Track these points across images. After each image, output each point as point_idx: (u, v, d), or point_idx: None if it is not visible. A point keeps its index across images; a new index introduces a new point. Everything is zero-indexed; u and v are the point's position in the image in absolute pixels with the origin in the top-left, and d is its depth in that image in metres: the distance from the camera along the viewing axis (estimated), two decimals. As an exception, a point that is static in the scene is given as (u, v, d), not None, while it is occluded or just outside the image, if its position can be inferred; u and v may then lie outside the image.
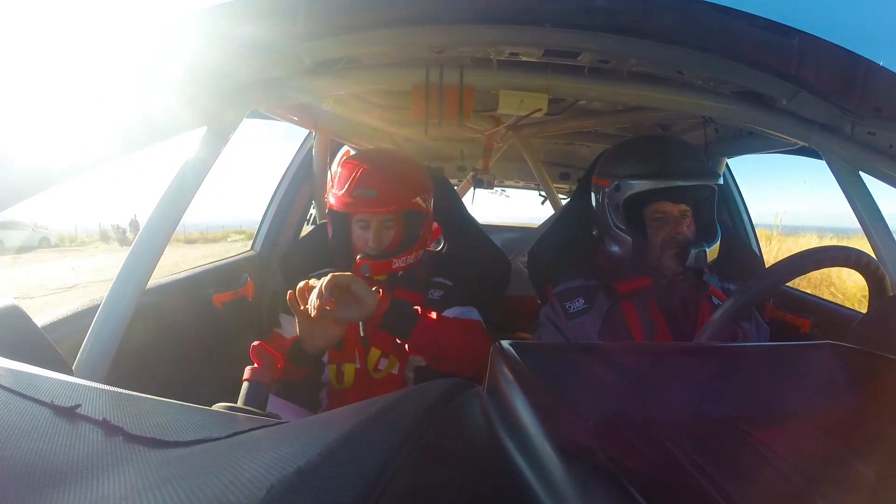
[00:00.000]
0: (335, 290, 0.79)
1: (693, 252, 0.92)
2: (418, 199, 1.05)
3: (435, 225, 1.27)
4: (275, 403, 0.81)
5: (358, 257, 1.02)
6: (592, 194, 1.06)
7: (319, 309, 0.78)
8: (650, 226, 0.96)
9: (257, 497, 0.25)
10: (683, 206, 0.96)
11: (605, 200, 1.00)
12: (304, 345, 0.87)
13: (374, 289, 0.84)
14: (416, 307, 0.90)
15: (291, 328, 1.01)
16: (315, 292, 0.80)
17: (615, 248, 1.00)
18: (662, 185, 0.93)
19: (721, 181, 0.97)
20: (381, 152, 1.27)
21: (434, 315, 0.91)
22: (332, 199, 1.04)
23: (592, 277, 1.01)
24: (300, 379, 0.98)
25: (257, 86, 0.88)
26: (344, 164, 1.08)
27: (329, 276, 0.80)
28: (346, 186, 1.02)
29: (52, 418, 0.34)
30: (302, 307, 0.82)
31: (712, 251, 0.94)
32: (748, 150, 1.49)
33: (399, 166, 1.08)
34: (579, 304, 0.98)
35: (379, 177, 1.02)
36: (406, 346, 0.90)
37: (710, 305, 0.97)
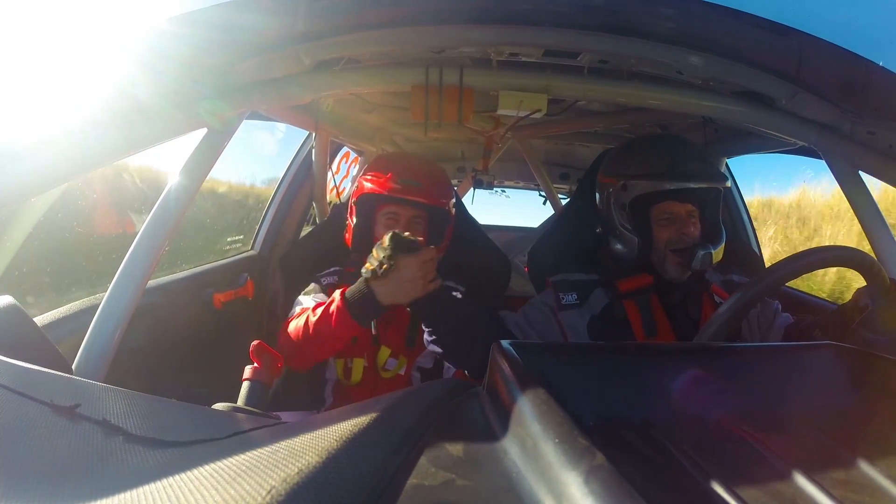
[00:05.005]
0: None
1: (700, 254, 0.90)
2: (450, 202, 1.07)
3: None
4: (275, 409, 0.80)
5: None
6: (597, 193, 1.06)
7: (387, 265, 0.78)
8: (656, 225, 0.95)
9: (258, 497, 0.25)
10: (690, 206, 0.95)
11: (611, 199, 0.99)
12: (379, 298, 0.82)
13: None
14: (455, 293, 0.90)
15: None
16: (377, 250, 0.80)
17: (620, 247, 1.00)
18: (670, 187, 0.92)
19: (728, 183, 0.96)
20: (413, 154, 1.35)
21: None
22: (367, 185, 1.03)
23: (593, 272, 1.01)
24: (345, 340, 0.91)
25: (257, 86, 0.88)
26: (376, 159, 1.14)
27: (389, 233, 0.80)
28: (389, 174, 1.02)
29: (52, 418, 0.34)
30: (370, 268, 0.81)
31: (717, 253, 0.93)
32: (748, 150, 1.49)
33: (436, 166, 1.12)
34: (571, 298, 0.98)
35: (422, 170, 1.07)
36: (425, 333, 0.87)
37: (712, 303, 0.97)
